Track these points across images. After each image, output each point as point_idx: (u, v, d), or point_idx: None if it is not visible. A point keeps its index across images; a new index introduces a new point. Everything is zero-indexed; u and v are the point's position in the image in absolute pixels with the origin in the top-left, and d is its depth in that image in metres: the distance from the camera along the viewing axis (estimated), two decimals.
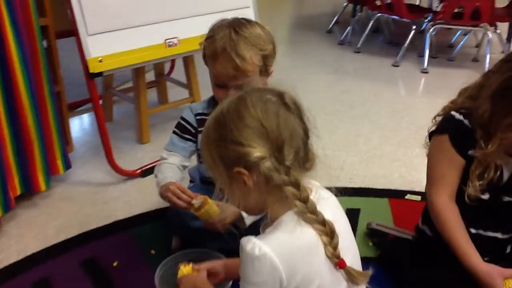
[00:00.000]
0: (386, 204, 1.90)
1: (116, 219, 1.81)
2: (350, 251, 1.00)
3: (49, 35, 1.89)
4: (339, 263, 0.93)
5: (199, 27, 2.18)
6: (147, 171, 2.10)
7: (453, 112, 1.33)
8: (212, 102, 1.59)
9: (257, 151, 0.91)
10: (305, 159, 0.97)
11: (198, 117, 1.58)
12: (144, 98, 2.33)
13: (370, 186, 2.04)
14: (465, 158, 1.29)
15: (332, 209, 0.99)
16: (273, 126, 0.92)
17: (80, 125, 2.67)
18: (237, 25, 1.41)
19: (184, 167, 1.59)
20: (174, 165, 1.55)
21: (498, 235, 1.36)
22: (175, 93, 2.79)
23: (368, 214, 1.80)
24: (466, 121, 1.29)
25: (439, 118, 1.41)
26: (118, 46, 1.96)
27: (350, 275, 0.95)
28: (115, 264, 1.56)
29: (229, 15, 2.31)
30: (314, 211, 0.92)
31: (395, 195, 1.97)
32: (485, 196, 1.30)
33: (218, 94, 1.50)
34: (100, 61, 1.90)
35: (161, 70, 2.74)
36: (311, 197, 0.94)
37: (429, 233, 1.44)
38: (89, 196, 1.96)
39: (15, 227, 1.77)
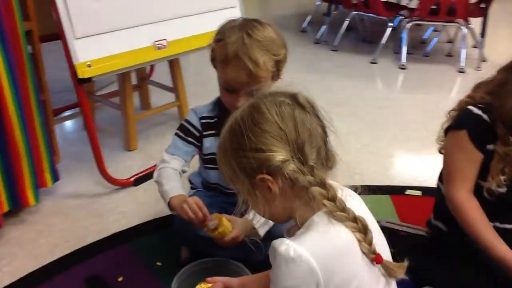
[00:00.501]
0: (389, 200, 1.89)
1: (114, 232, 1.72)
2: (382, 245, 0.98)
3: (33, 40, 1.78)
4: (375, 258, 0.90)
5: (187, 29, 2.16)
6: (140, 180, 2.02)
7: (470, 107, 1.32)
8: (217, 105, 1.53)
9: (279, 155, 0.89)
10: (326, 158, 0.95)
11: (203, 121, 1.52)
12: (131, 103, 2.24)
13: (369, 184, 2.03)
14: (483, 153, 1.28)
15: (359, 206, 0.98)
16: (291, 128, 0.90)
17: (62, 133, 2.54)
18: (249, 28, 1.36)
19: (184, 172, 1.53)
20: (177, 170, 1.49)
21: None
22: (157, 98, 2.71)
23: (373, 212, 1.78)
24: (485, 116, 1.28)
25: (453, 113, 1.40)
26: (107, 50, 1.87)
27: (388, 269, 0.93)
28: (120, 279, 1.48)
29: (215, 16, 2.28)
30: (344, 208, 0.90)
31: (395, 191, 1.97)
32: (503, 190, 1.29)
33: (227, 99, 1.44)
34: (89, 65, 1.80)
35: (144, 74, 2.65)
36: (339, 195, 0.91)
37: (443, 228, 1.44)
38: (81, 209, 1.86)
39: (5, 246, 1.66)
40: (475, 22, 3.71)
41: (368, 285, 0.91)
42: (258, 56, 1.32)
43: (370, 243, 0.90)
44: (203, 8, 2.23)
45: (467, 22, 3.54)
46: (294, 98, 0.94)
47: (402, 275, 0.94)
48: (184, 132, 1.52)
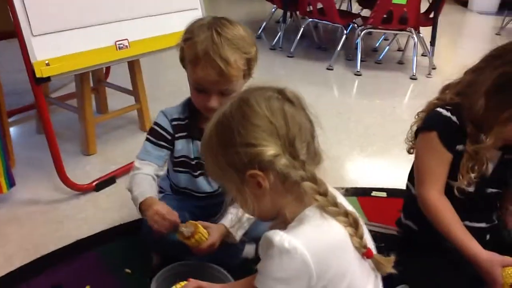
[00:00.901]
0: (356, 202, 1.92)
1: (77, 238, 1.63)
2: (369, 241, 0.98)
3: None
4: (366, 252, 0.91)
5: (149, 29, 2.10)
6: (102, 184, 1.94)
7: (439, 109, 1.35)
8: (188, 106, 1.48)
9: (270, 149, 0.87)
10: (314, 153, 0.94)
11: (174, 123, 1.47)
12: (89, 106, 2.15)
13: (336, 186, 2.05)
14: (452, 154, 1.32)
15: (345, 202, 0.98)
16: (281, 122, 0.89)
17: (14, 137, 2.38)
18: (218, 26, 1.32)
19: (158, 176, 1.47)
20: (149, 176, 1.43)
21: (483, 225, 1.41)
22: (114, 101, 2.62)
23: None
24: (454, 118, 1.32)
25: (422, 114, 1.43)
26: (66, 48, 1.78)
27: (378, 264, 0.93)
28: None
29: (178, 17, 2.24)
30: (335, 203, 0.90)
31: (362, 193, 2.00)
32: (471, 189, 1.34)
33: (198, 99, 1.40)
34: (47, 64, 1.71)
35: (101, 76, 2.55)
36: (330, 189, 0.91)
37: (414, 227, 1.46)
38: (39, 216, 1.75)
39: None
40: (423, 31, 3.87)
41: (359, 280, 0.91)
42: (229, 55, 1.29)
43: (361, 237, 0.90)
44: (165, 9, 2.19)
45: (417, 31, 3.68)
46: (282, 92, 0.93)
47: (390, 269, 0.95)
48: (155, 136, 1.47)
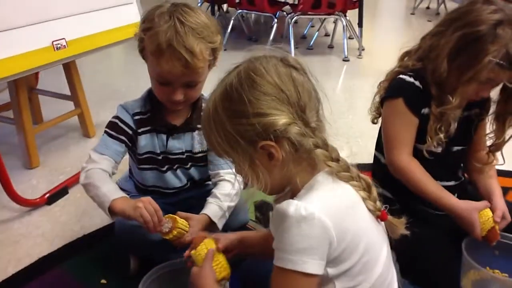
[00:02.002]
0: None
1: (38, 257, 1.49)
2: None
3: None
4: (381, 215, 0.91)
5: (86, 27, 1.98)
6: (53, 197, 1.80)
7: (402, 76, 1.38)
8: (148, 99, 1.41)
9: (283, 118, 0.84)
10: (321, 120, 0.92)
11: (136, 117, 1.39)
12: (27, 115, 1.98)
13: None
14: (419, 118, 1.36)
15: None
16: (292, 90, 0.86)
17: None
18: (180, 14, 1.25)
19: (113, 174, 1.38)
20: (107, 172, 1.34)
21: (451, 183, 1.47)
22: (47, 109, 2.45)
23: None
24: (417, 82, 1.35)
25: (384, 84, 1.45)
26: (0, 52, 1.62)
27: (391, 225, 0.94)
28: None
29: (113, 13, 2.13)
30: (348, 168, 0.89)
31: None
32: (438, 150, 1.38)
33: (161, 93, 1.33)
34: None
35: (32, 83, 2.35)
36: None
37: (389, 195, 1.49)
38: None
39: None
40: (348, 15, 3.99)
41: (375, 242, 0.90)
42: (194, 45, 1.22)
43: (375, 200, 0.90)
44: (100, 5, 2.07)
45: (345, 14, 3.79)
46: (285, 60, 0.90)
47: (403, 230, 0.95)
48: (115, 129, 1.37)
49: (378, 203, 0.90)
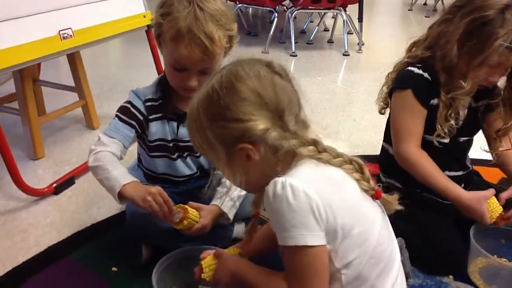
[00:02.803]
0: None
1: (48, 245, 1.49)
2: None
3: None
4: (375, 193, 0.93)
5: (92, 17, 1.97)
6: (61, 187, 1.79)
7: (411, 68, 1.40)
8: (160, 86, 1.41)
9: (260, 124, 0.88)
10: (303, 122, 0.95)
11: (148, 103, 1.39)
12: (33, 106, 1.97)
13: None
14: (427, 109, 1.37)
15: None
16: (271, 95, 0.89)
17: None
18: (199, 0, 1.24)
19: (121, 159, 1.37)
20: (116, 156, 1.33)
21: (459, 173, 1.49)
22: (49, 101, 2.42)
23: None
24: (425, 74, 1.37)
25: (392, 75, 1.47)
26: (4, 41, 1.61)
27: (386, 203, 0.97)
28: None
29: (120, 3, 2.13)
30: (338, 154, 0.93)
31: None
32: (446, 140, 1.40)
33: (176, 79, 1.33)
34: None
35: (35, 74, 2.34)
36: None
37: (398, 185, 1.50)
38: None
39: None
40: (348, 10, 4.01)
41: (366, 216, 0.92)
42: (213, 31, 1.23)
43: (368, 180, 0.93)
44: None
45: (345, 9, 3.80)
46: (270, 65, 0.93)
47: (397, 206, 0.99)
48: (127, 114, 1.37)
49: (372, 183, 0.93)
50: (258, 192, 1.01)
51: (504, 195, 1.37)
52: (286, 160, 0.91)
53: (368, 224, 0.92)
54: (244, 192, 1.40)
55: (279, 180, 0.85)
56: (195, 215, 1.28)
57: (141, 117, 1.38)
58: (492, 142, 1.47)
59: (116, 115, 1.38)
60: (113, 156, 1.32)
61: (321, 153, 0.91)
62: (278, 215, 0.85)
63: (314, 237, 0.85)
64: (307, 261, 0.86)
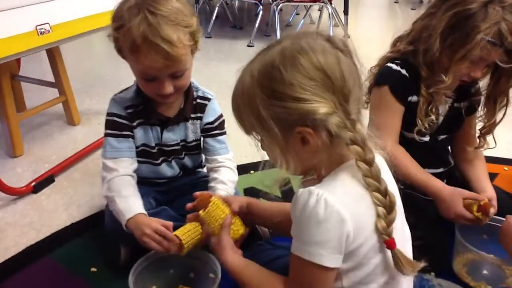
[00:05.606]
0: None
1: (26, 246, 1.46)
2: (403, 234, 0.92)
3: None
4: (388, 241, 0.82)
5: (70, 11, 1.93)
6: (39, 185, 1.76)
7: (389, 64, 1.39)
8: (139, 91, 1.35)
9: (324, 106, 0.78)
10: (360, 111, 0.86)
11: (129, 111, 1.36)
12: (11, 102, 1.93)
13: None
14: (404, 105, 1.37)
15: (389, 180, 0.89)
16: (337, 75, 0.79)
17: None
18: (149, 4, 1.17)
19: (135, 171, 1.36)
20: (128, 176, 1.32)
21: (440, 170, 1.49)
22: (29, 97, 2.39)
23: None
24: (403, 71, 1.36)
25: (375, 69, 1.46)
26: None
27: (397, 260, 0.84)
28: None
29: None
30: (378, 177, 0.82)
31: None
32: (426, 138, 1.40)
33: (149, 89, 1.28)
34: None
35: (14, 70, 2.29)
36: (377, 160, 0.83)
37: None
38: None
39: None
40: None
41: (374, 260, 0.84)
42: (170, 34, 1.16)
43: (389, 224, 0.82)
44: None
45: (330, 2, 3.78)
46: (331, 40, 0.83)
47: (410, 274, 0.87)
48: (117, 127, 1.35)
49: (392, 228, 0.82)
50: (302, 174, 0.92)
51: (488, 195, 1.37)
52: (338, 154, 0.84)
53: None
54: (234, 191, 1.39)
55: (315, 192, 0.78)
56: (194, 226, 1.16)
57: (129, 123, 1.36)
58: (462, 149, 1.49)
59: (107, 134, 1.35)
60: (125, 180, 1.30)
61: (363, 162, 0.81)
62: (303, 226, 0.80)
63: (331, 260, 0.80)
64: (316, 278, 0.82)
